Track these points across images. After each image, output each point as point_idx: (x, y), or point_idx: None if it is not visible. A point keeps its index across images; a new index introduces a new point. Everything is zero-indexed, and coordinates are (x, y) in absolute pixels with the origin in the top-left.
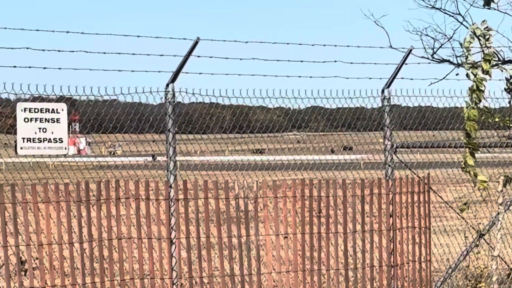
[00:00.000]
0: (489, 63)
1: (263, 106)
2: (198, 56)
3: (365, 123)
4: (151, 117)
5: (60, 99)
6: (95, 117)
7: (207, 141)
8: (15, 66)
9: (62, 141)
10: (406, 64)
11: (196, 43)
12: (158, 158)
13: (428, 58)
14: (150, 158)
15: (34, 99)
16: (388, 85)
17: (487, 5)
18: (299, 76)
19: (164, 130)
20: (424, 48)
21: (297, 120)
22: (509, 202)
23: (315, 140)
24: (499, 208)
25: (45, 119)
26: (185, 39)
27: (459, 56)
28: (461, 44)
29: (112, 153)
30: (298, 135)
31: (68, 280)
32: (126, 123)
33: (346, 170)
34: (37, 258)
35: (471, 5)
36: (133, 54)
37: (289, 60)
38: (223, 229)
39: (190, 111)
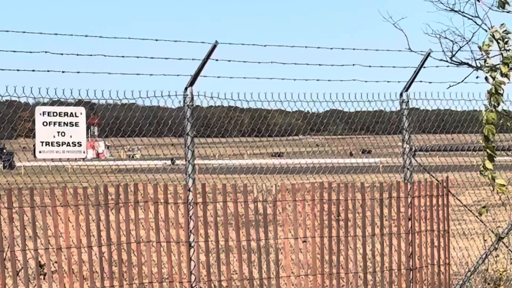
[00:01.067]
0: (508, 66)
1: (282, 110)
2: (217, 60)
3: (384, 126)
4: (170, 121)
5: (78, 103)
6: (113, 121)
7: (226, 144)
8: (33, 70)
9: (80, 145)
10: (424, 67)
11: (214, 46)
12: (177, 161)
13: (446, 61)
14: (168, 162)
15: (53, 103)
16: (407, 88)
17: (501, 7)
18: (318, 80)
19: (182, 133)
20: (443, 51)
21: (316, 124)
22: None
23: (334, 143)
24: None
25: (64, 122)
26: (203, 42)
27: (478, 59)
28: (479, 47)
29: (131, 156)
30: (316, 139)
31: (87, 284)
32: (145, 126)
33: (364, 173)
34: (55, 262)
35: (489, 8)
36: (152, 57)
37: (307, 64)
38: (242, 232)
39: (209, 115)
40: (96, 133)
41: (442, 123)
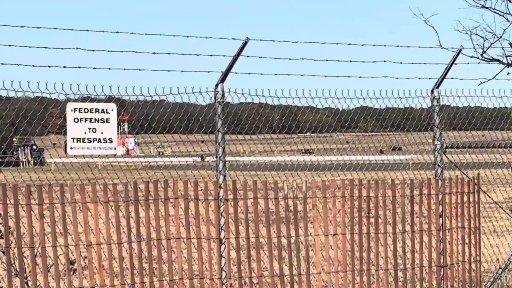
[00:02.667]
0: None
1: (312, 106)
2: (248, 56)
3: (414, 123)
4: (200, 118)
5: (109, 99)
6: (143, 117)
7: (256, 141)
8: (65, 67)
9: (111, 141)
10: (455, 64)
11: (245, 43)
12: (207, 158)
13: (477, 58)
14: (198, 158)
15: (83, 100)
16: (438, 85)
17: None
18: (349, 76)
19: (213, 130)
20: (474, 47)
21: (346, 121)
22: None
23: (364, 140)
24: None
25: (95, 119)
26: (234, 39)
27: (509, 56)
28: (510, 44)
29: (160, 153)
30: (347, 136)
31: (118, 280)
32: (175, 123)
33: (395, 170)
34: (86, 258)
35: None
36: (183, 54)
37: (338, 60)
38: (273, 229)
39: (240, 112)
40: (126, 129)
41: (473, 120)
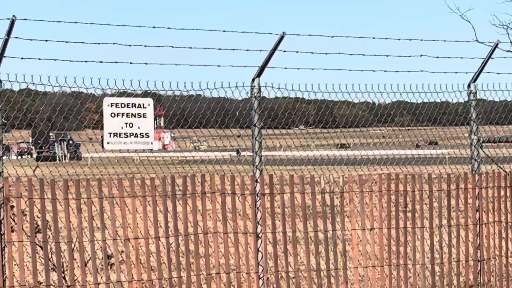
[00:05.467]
0: None
1: (348, 101)
2: (284, 51)
3: (451, 118)
4: (237, 112)
5: (145, 94)
6: (180, 112)
7: (293, 135)
8: (101, 62)
9: (148, 136)
10: (492, 58)
11: (282, 37)
12: (243, 153)
13: None
14: (234, 153)
15: (120, 94)
16: (475, 79)
17: None
18: (385, 71)
19: (249, 125)
20: (511, 41)
21: (382, 115)
22: None
23: (400, 134)
24: None
25: (132, 114)
26: (271, 33)
27: None
28: None
29: (196, 148)
30: (383, 130)
31: (155, 275)
32: (212, 118)
33: (431, 164)
34: (123, 252)
35: None
36: (219, 49)
37: (375, 55)
38: (309, 223)
39: (276, 106)
40: (162, 124)
41: (509, 114)
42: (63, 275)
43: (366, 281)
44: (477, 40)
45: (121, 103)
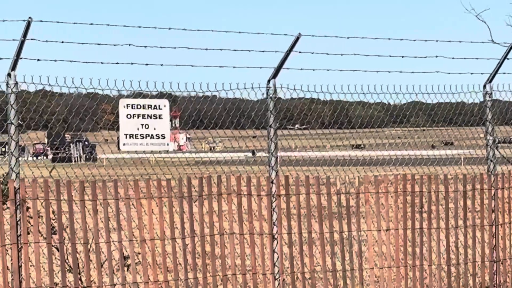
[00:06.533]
0: None
1: (363, 102)
2: (300, 52)
3: (467, 118)
4: (253, 113)
5: (161, 95)
6: (195, 113)
7: (308, 136)
8: (117, 63)
9: (164, 137)
10: (508, 58)
11: (297, 39)
12: (258, 153)
13: None
14: (250, 154)
15: (136, 96)
16: (490, 80)
17: None
18: (401, 71)
19: (264, 125)
20: None
21: (398, 116)
22: None
23: (416, 135)
24: None
25: (148, 115)
26: (286, 34)
27: None
28: None
29: (212, 148)
30: (398, 130)
31: (171, 276)
32: (228, 119)
33: (447, 165)
34: (139, 254)
35: None
36: (235, 50)
37: (390, 56)
38: (325, 224)
39: (291, 107)
40: (177, 125)
41: None
42: (79, 276)
43: (382, 282)
44: (492, 41)
45: (137, 104)
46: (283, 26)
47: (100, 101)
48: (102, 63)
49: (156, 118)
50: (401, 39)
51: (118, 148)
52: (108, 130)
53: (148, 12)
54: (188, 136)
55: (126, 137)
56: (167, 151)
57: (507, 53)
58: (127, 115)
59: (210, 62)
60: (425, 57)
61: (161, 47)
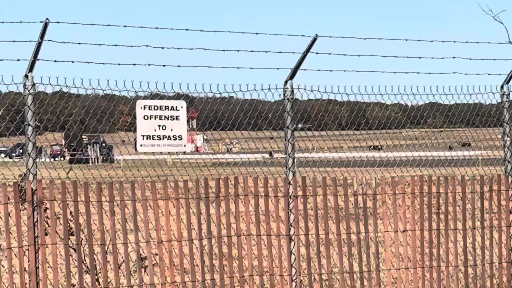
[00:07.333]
0: None
1: (381, 103)
2: (317, 53)
3: (484, 119)
4: (270, 114)
5: (178, 96)
6: (212, 114)
7: (325, 137)
8: (134, 64)
9: (181, 138)
10: None
11: (314, 40)
12: (275, 155)
13: None
14: (267, 155)
15: (153, 97)
16: (508, 80)
17: None
18: (418, 73)
19: (281, 127)
20: None
21: (415, 117)
22: None
23: (433, 136)
24: None
25: (165, 116)
26: (303, 35)
27: None
28: None
29: (229, 150)
30: (416, 131)
31: (188, 277)
32: (245, 120)
33: (464, 166)
34: (156, 255)
35: None
36: (252, 51)
37: (407, 57)
38: (342, 225)
39: (309, 108)
40: (194, 126)
41: None
42: (96, 277)
43: (399, 283)
44: (510, 42)
45: (154, 106)
46: (300, 27)
47: (117, 102)
48: (119, 64)
49: (173, 119)
50: (419, 40)
51: (135, 149)
52: (125, 131)
53: (165, 14)
54: (205, 137)
55: (143, 138)
56: (184, 152)
57: None
58: (144, 116)
59: (227, 63)
60: (443, 58)
61: (178, 48)
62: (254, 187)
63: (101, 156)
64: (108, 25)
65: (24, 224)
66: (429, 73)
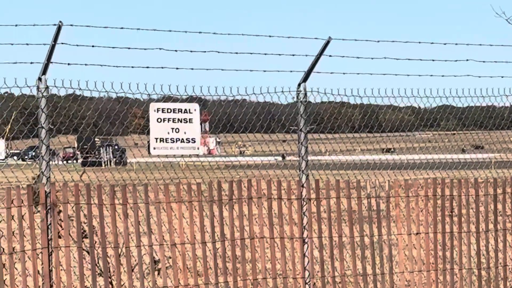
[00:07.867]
0: None
1: (394, 105)
2: (330, 56)
3: (497, 122)
4: (283, 117)
5: (190, 99)
6: (225, 117)
7: (339, 140)
8: (148, 67)
9: (194, 141)
10: None
11: (327, 42)
12: (288, 157)
13: None
14: (280, 158)
15: (166, 100)
16: None
17: None
18: (431, 75)
19: (295, 129)
20: None
21: (428, 119)
22: None
23: (446, 139)
24: None
25: (178, 119)
26: (316, 38)
27: None
28: None
29: (241, 152)
30: (429, 134)
31: (201, 280)
32: (257, 122)
33: (477, 169)
34: (170, 258)
35: None
36: (265, 54)
37: (420, 59)
38: (355, 228)
39: (322, 111)
40: (207, 129)
41: None
42: (109, 280)
43: (413, 286)
44: None
45: (167, 108)
46: (314, 30)
47: (130, 105)
48: (132, 67)
49: (187, 122)
50: (432, 43)
51: (149, 152)
52: (138, 134)
53: (178, 16)
54: (218, 140)
55: (156, 141)
56: (197, 155)
57: None
58: (157, 119)
59: (240, 66)
60: (456, 60)
61: (191, 51)
62: (267, 190)
63: (114, 159)
64: (122, 28)
65: (38, 226)
66: (443, 76)
